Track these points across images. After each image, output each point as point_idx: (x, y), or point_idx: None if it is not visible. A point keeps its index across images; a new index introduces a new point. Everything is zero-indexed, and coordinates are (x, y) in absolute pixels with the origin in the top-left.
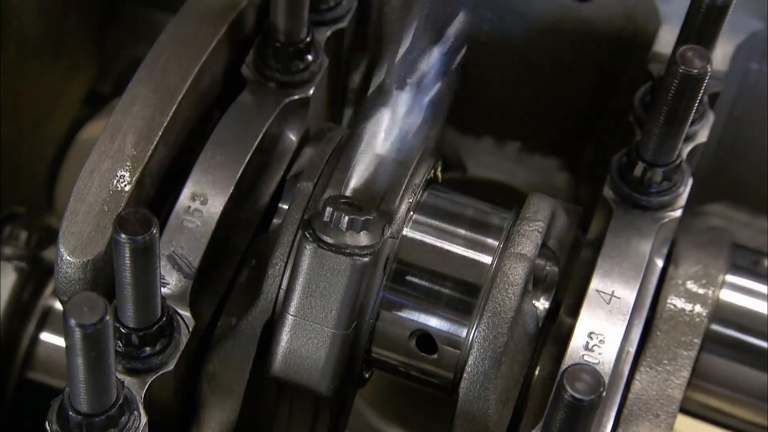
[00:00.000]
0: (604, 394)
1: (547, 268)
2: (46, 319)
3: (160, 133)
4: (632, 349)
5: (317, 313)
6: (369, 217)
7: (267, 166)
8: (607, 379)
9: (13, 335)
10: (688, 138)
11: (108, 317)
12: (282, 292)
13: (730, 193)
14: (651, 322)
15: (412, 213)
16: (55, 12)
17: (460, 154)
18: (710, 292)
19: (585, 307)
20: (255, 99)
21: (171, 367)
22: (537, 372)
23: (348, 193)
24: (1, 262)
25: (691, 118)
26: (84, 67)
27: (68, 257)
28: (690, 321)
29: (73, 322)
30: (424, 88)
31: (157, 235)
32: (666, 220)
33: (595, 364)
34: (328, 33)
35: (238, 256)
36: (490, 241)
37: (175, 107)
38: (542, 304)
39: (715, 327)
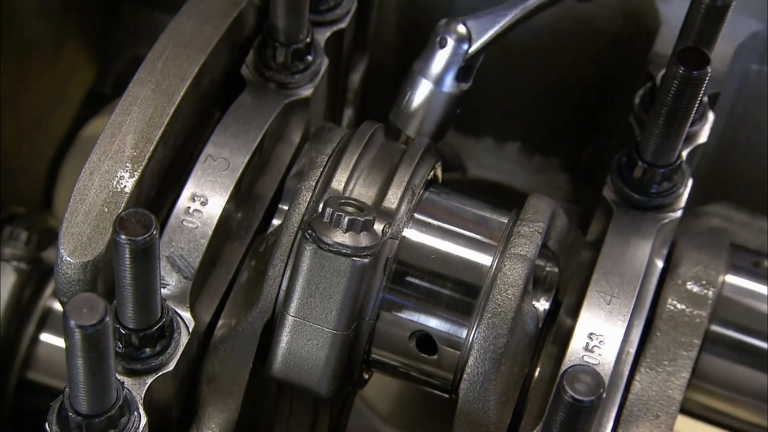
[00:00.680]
0: (604, 395)
1: (547, 268)
2: (46, 320)
3: (160, 134)
4: (632, 349)
5: (317, 314)
6: (369, 218)
7: (267, 167)
8: (607, 380)
9: (13, 336)
10: (688, 138)
11: (108, 318)
12: (282, 292)
13: (730, 194)
14: (651, 323)
15: (412, 213)
16: (55, 12)
17: (461, 154)
18: (710, 292)
19: (585, 308)
20: (255, 99)
21: (171, 367)
22: (537, 373)
23: (348, 193)
24: (1, 262)
25: (691, 118)
26: (84, 67)
27: (68, 258)
28: (690, 322)
29: (72, 323)
30: None
31: (156, 235)
32: (666, 220)
33: (595, 364)
34: (328, 33)
35: (238, 256)
36: (490, 241)
37: (174, 108)
38: (542, 304)
39: (715, 328)
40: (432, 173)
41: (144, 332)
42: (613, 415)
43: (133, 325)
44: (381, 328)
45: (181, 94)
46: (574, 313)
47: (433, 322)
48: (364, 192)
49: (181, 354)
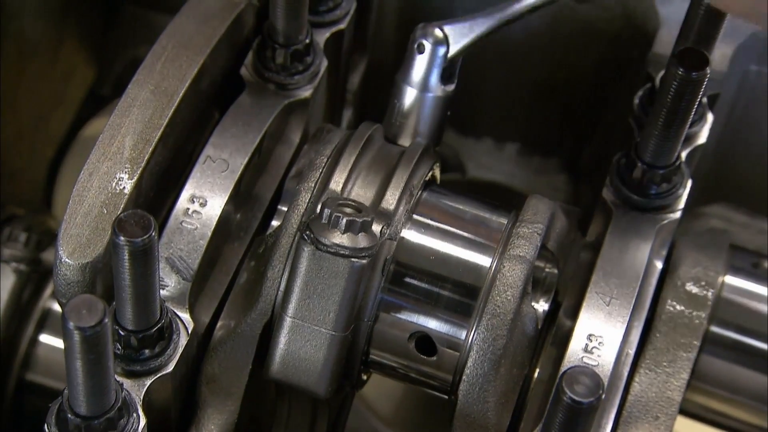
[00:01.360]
0: (603, 396)
1: (547, 270)
2: (45, 321)
3: (159, 135)
4: (631, 351)
5: (315, 315)
6: (367, 219)
7: (266, 168)
8: (606, 381)
9: (13, 337)
10: (688, 139)
11: (107, 320)
12: (281, 294)
13: (730, 195)
14: (650, 324)
15: (410, 214)
16: (55, 12)
17: (460, 155)
18: (709, 293)
19: (584, 309)
20: (254, 100)
21: (170, 369)
22: (536, 374)
23: (346, 194)
24: (1, 263)
25: (690, 119)
26: (83, 68)
27: (67, 259)
28: (689, 323)
29: (71, 324)
30: None
31: (155, 237)
32: (665, 221)
33: (594, 366)
34: (328, 34)
35: (237, 258)
36: (489, 242)
37: (174, 109)
38: (541, 306)
39: (715, 329)
40: (430, 174)
41: (143, 334)
42: (612, 416)
43: (132, 326)
44: (379, 329)
45: (181, 95)
46: (574, 314)
47: (432, 324)
48: (362, 193)
49: (180, 355)
